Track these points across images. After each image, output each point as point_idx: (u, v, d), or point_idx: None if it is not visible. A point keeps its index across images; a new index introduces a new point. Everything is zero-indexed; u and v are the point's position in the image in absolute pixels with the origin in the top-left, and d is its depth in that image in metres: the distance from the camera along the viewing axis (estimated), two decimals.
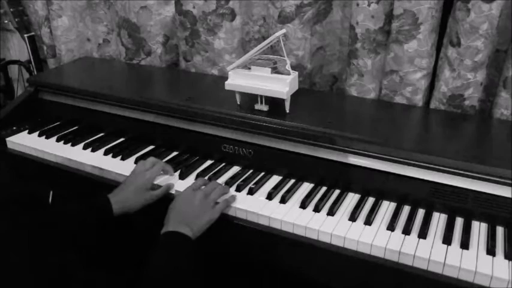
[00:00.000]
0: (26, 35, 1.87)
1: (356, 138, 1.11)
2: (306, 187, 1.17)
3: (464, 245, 0.96)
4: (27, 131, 1.47)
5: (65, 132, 1.46)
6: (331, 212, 1.06)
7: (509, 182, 0.98)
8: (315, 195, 1.13)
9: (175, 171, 1.22)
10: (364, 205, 1.09)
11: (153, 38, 1.70)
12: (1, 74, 2.27)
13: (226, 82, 1.27)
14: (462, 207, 1.04)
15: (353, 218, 1.04)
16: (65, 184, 1.39)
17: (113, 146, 1.38)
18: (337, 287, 1.03)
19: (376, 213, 1.06)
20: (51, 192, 1.79)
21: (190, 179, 1.20)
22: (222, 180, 1.20)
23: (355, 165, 1.12)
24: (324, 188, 1.16)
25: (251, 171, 1.23)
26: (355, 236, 0.99)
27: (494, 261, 0.92)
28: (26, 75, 2.04)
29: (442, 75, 1.30)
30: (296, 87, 1.26)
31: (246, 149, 1.23)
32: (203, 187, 1.12)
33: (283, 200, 1.11)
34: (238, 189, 1.15)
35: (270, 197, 1.12)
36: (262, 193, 1.14)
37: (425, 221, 1.03)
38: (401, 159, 1.07)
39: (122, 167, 1.25)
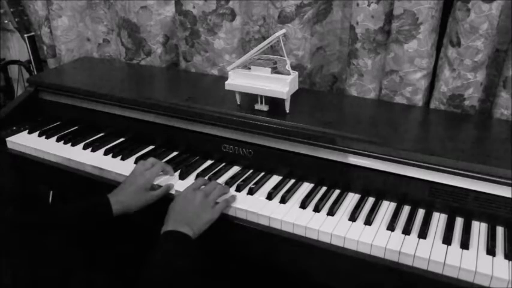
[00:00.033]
0: (26, 35, 1.87)
1: (356, 138, 1.11)
2: (306, 187, 1.17)
3: (464, 245, 0.96)
4: (27, 131, 1.47)
5: (65, 132, 1.46)
6: (331, 212, 1.06)
7: (509, 182, 0.98)
8: (315, 195, 1.13)
9: (175, 171, 1.22)
10: (364, 205, 1.09)
11: (153, 38, 1.70)
12: (1, 74, 2.27)
13: (226, 82, 1.27)
14: (462, 207, 1.04)
15: (353, 218, 1.04)
16: (65, 184, 1.39)
17: (113, 146, 1.38)
18: (337, 287, 1.03)
19: (376, 213, 1.06)
20: (51, 192, 1.79)
21: (190, 179, 1.20)
22: (222, 180, 1.20)
23: (355, 165, 1.12)
24: (324, 188, 1.16)
25: (251, 171, 1.23)
26: (355, 236, 0.99)
27: (494, 261, 0.92)
28: (26, 75, 2.04)
29: (442, 75, 1.30)
30: (296, 87, 1.26)
31: (246, 149, 1.23)
32: (203, 187, 1.12)
33: (283, 200, 1.11)
34: (238, 189, 1.15)
35: (270, 197, 1.12)
36: (262, 193, 1.14)
37: (425, 221, 1.03)
38: (401, 159, 1.07)
39: (122, 167, 1.25)
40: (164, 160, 1.28)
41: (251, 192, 1.14)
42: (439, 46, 1.33)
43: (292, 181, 1.19)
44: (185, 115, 1.30)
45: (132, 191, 1.11)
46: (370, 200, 1.11)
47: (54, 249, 0.97)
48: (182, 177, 1.21)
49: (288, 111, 1.24)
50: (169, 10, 1.68)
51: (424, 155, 1.05)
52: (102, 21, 1.86)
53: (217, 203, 1.08)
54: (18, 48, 2.28)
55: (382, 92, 1.40)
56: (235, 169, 1.25)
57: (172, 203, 1.06)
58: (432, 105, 1.36)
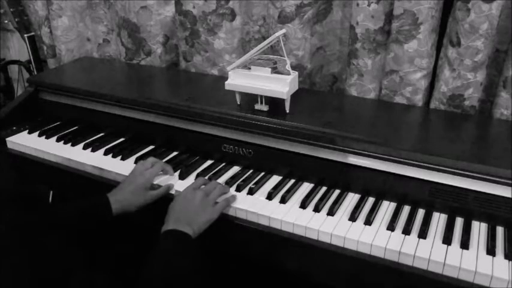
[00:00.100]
0: (26, 35, 1.87)
1: (356, 138, 1.11)
2: (306, 187, 1.17)
3: (464, 245, 0.96)
4: (27, 131, 1.47)
5: (65, 132, 1.46)
6: (331, 212, 1.06)
7: (509, 182, 0.98)
8: (315, 195, 1.13)
9: (175, 171, 1.22)
10: (364, 205, 1.09)
11: (153, 38, 1.70)
12: (1, 74, 2.27)
13: (226, 82, 1.27)
14: (462, 207, 1.04)
15: (353, 218, 1.04)
16: (65, 184, 1.39)
17: (113, 146, 1.38)
18: (337, 287, 1.03)
19: (376, 213, 1.06)
20: (51, 192, 1.79)
21: (190, 179, 1.20)
22: (222, 180, 1.20)
23: (355, 165, 1.12)
24: (324, 188, 1.16)
25: (251, 171, 1.23)
26: (355, 236, 0.99)
27: (494, 261, 0.92)
28: (26, 75, 2.04)
29: (442, 75, 1.30)
30: (296, 87, 1.26)
31: (246, 149, 1.23)
32: (203, 186, 1.12)
33: (283, 200, 1.11)
34: (238, 189, 1.15)
35: (270, 197, 1.12)
36: (262, 193, 1.14)
37: (425, 221, 1.03)
38: (401, 159, 1.07)
39: (122, 167, 1.25)
40: (164, 160, 1.28)
41: (251, 192, 1.14)
42: (439, 46, 1.33)
43: (292, 181, 1.19)
44: (185, 115, 1.30)
45: (132, 191, 1.11)
46: (370, 200, 1.11)
47: (54, 249, 0.97)
48: (182, 177, 1.21)
49: (288, 111, 1.24)
50: (169, 10, 1.68)
51: (424, 155, 1.05)
52: (102, 21, 1.86)
53: (217, 202, 1.08)
54: (18, 48, 2.28)
55: (382, 92, 1.40)
56: (235, 169, 1.25)
57: (173, 203, 1.06)
58: (432, 105, 1.36)
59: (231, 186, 1.16)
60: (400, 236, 0.99)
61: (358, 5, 1.31)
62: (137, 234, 1.31)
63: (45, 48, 1.93)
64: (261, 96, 1.24)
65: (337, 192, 1.14)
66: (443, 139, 1.17)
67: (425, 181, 1.05)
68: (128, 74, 1.73)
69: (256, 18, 1.55)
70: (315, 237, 1.02)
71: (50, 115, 1.54)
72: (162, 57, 1.73)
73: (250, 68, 1.24)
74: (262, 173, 1.22)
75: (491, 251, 0.94)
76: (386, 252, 0.96)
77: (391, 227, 1.01)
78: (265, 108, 1.25)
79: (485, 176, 1.00)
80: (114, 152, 1.33)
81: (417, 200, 1.08)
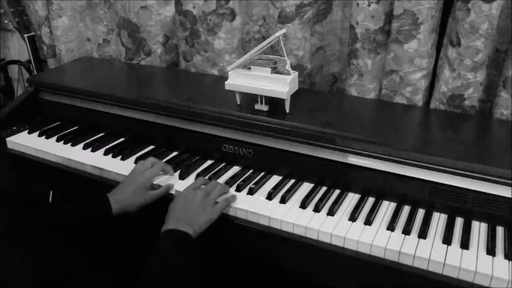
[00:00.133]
0: (26, 35, 1.87)
1: (356, 138, 1.11)
2: (306, 187, 1.17)
3: (464, 245, 0.96)
4: (27, 131, 1.47)
5: (65, 132, 1.46)
6: (331, 212, 1.06)
7: (509, 182, 0.98)
8: (315, 195, 1.13)
9: (175, 171, 1.22)
10: (364, 205, 1.09)
11: (153, 38, 1.70)
12: (1, 74, 2.27)
13: (226, 82, 1.27)
14: (462, 207, 1.04)
15: (353, 218, 1.04)
16: (65, 184, 1.39)
17: (113, 146, 1.38)
18: (337, 287, 1.03)
19: (376, 213, 1.06)
20: (51, 192, 1.79)
21: (190, 179, 1.20)
22: (222, 180, 1.19)
23: (355, 165, 1.12)
24: (324, 188, 1.16)
25: (251, 171, 1.23)
26: (355, 236, 0.99)
27: (494, 261, 0.92)
28: (26, 75, 2.04)
29: (442, 75, 1.30)
30: (296, 87, 1.26)
31: (246, 149, 1.23)
32: (203, 186, 1.12)
33: (283, 200, 1.11)
34: (238, 189, 1.15)
35: (270, 197, 1.12)
36: (262, 193, 1.14)
37: (425, 221, 1.03)
38: (401, 159, 1.07)
39: (122, 167, 1.25)
40: (164, 160, 1.28)
41: (251, 192, 1.14)
42: (439, 46, 1.33)
43: (292, 181, 1.19)
44: (185, 115, 1.30)
45: (132, 191, 1.11)
46: (370, 200, 1.11)
47: (54, 249, 0.97)
48: (182, 177, 1.21)
49: (288, 111, 1.24)
50: (169, 10, 1.68)
51: (424, 155, 1.05)
52: (102, 21, 1.86)
53: (217, 202, 1.08)
54: (18, 48, 2.28)
55: (382, 92, 1.40)
56: (235, 169, 1.25)
57: (173, 202, 1.06)
58: (432, 105, 1.36)
59: (231, 186, 1.16)
60: (400, 236, 0.99)
61: (358, 5, 1.31)
62: (137, 234, 1.31)
63: (45, 48, 1.93)
64: (261, 96, 1.24)
65: (337, 192, 1.14)
66: (443, 139, 1.17)
67: (425, 181, 1.05)
68: (128, 74, 1.73)
69: (256, 18, 1.55)
70: (315, 237, 1.02)
71: (50, 115, 1.54)
72: (162, 57, 1.73)
73: (250, 68, 1.24)
74: (262, 173, 1.22)
75: (491, 251, 0.94)
76: (386, 252, 0.96)
77: (391, 227, 1.01)
78: (265, 108, 1.25)
79: (485, 176, 1.00)
80: (114, 152, 1.33)
81: (417, 200, 1.08)
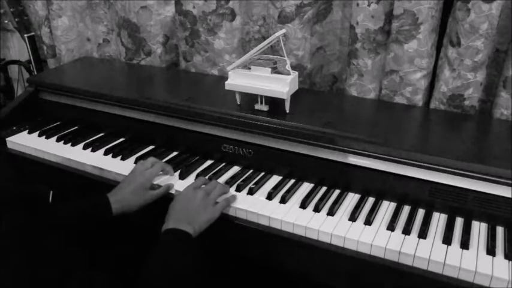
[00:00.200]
0: (26, 35, 1.87)
1: (356, 138, 1.11)
2: (306, 187, 1.17)
3: (464, 245, 0.96)
4: (27, 131, 1.47)
5: (65, 132, 1.46)
6: (331, 212, 1.06)
7: (509, 182, 0.98)
8: (315, 195, 1.13)
9: (175, 171, 1.22)
10: (364, 205, 1.09)
11: (153, 38, 1.70)
12: (1, 74, 2.27)
13: (226, 82, 1.27)
14: (462, 207, 1.04)
15: (353, 218, 1.04)
16: (65, 184, 1.39)
17: (113, 146, 1.38)
18: (337, 287, 1.03)
19: (376, 213, 1.06)
20: (51, 192, 1.79)
21: (190, 179, 1.20)
22: (222, 180, 1.19)
23: (355, 165, 1.12)
24: (324, 188, 1.16)
25: (251, 171, 1.23)
26: (355, 236, 0.99)
27: (494, 261, 0.92)
28: (26, 75, 2.04)
29: (442, 75, 1.30)
30: (296, 87, 1.26)
31: (246, 149, 1.23)
32: (204, 186, 1.12)
33: (283, 200, 1.11)
34: (238, 189, 1.15)
35: (270, 197, 1.12)
36: (262, 193, 1.14)
37: (425, 221, 1.03)
38: (401, 159, 1.07)
39: (121, 167, 1.25)
40: (164, 160, 1.28)
41: (251, 192, 1.14)
42: (439, 46, 1.33)
43: (292, 181, 1.19)
44: (185, 115, 1.30)
45: (132, 191, 1.11)
46: (370, 200, 1.11)
47: (54, 249, 0.97)
48: (182, 177, 1.21)
49: (288, 111, 1.24)
50: (169, 10, 1.68)
51: (424, 155, 1.05)
52: (102, 21, 1.86)
53: (217, 202, 1.08)
54: (18, 48, 2.28)
55: (382, 92, 1.40)
56: (235, 169, 1.25)
57: (173, 202, 1.06)
58: (432, 105, 1.36)
59: (231, 186, 1.16)
60: (400, 236, 0.99)
61: (358, 5, 1.31)
62: (137, 234, 1.31)
63: (45, 48, 1.93)
64: (261, 96, 1.24)
65: (337, 192, 1.14)
66: (443, 139, 1.17)
67: (425, 181, 1.05)
68: (128, 74, 1.73)
69: (256, 18, 1.55)
70: (315, 237, 1.02)
71: (50, 115, 1.54)
72: (162, 57, 1.73)
73: (250, 68, 1.24)
74: (262, 173, 1.22)
75: (491, 251, 0.94)
76: (386, 252, 0.96)
77: (391, 227, 1.01)
78: (265, 108, 1.25)
79: (485, 176, 1.00)
80: (114, 152, 1.33)
81: (417, 200, 1.08)
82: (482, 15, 1.17)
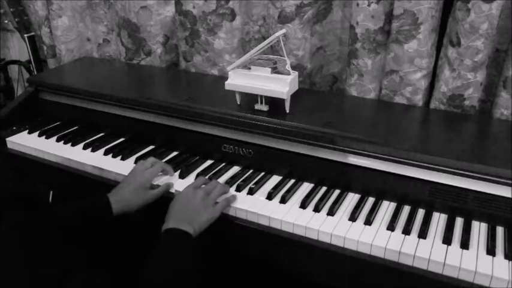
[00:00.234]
0: (26, 35, 1.87)
1: (356, 138, 1.11)
2: (306, 187, 1.17)
3: (464, 245, 0.96)
4: (27, 131, 1.47)
5: (65, 132, 1.46)
6: (331, 212, 1.06)
7: (509, 182, 0.98)
8: (315, 195, 1.13)
9: (175, 171, 1.22)
10: (364, 205, 1.09)
11: (153, 38, 1.70)
12: (1, 74, 2.27)
13: (226, 82, 1.27)
14: (462, 207, 1.04)
15: (353, 218, 1.04)
16: (65, 184, 1.39)
17: (113, 146, 1.38)
18: (337, 287, 1.03)
19: (376, 213, 1.06)
20: (51, 192, 1.79)
21: (190, 179, 1.20)
22: (222, 180, 1.19)
23: (355, 165, 1.12)
24: (324, 188, 1.16)
25: (251, 171, 1.23)
26: (355, 236, 0.99)
27: (494, 261, 0.92)
28: (26, 75, 2.04)
29: (442, 75, 1.30)
30: (296, 87, 1.26)
31: (246, 149, 1.23)
32: (204, 186, 1.12)
33: (283, 200, 1.11)
34: (238, 189, 1.15)
35: (270, 197, 1.12)
36: (262, 193, 1.14)
37: (425, 221, 1.03)
38: (401, 159, 1.07)
39: (122, 167, 1.25)
40: (164, 160, 1.28)
41: (251, 192, 1.14)
42: (439, 46, 1.33)
43: (292, 181, 1.19)
44: (185, 115, 1.30)
45: (132, 190, 1.11)
46: (370, 200, 1.11)
47: (54, 249, 0.97)
48: (182, 176, 1.21)
49: (288, 111, 1.24)
50: (169, 10, 1.68)
51: (424, 155, 1.05)
52: (102, 21, 1.86)
53: (217, 202, 1.08)
54: (18, 48, 2.28)
55: (382, 92, 1.40)
56: (235, 169, 1.25)
57: (173, 201, 1.06)
58: (432, 105, 1.36)
59: (231, 186, 1.16)
60: (400, 236, 0.99)
61: (358, 5, 1.31)
62: (137, 234, 1.31)
63: (45, 48, 1.93)
64: (261, 96, 1.24)
65: (337, 192, 1.14)
66: (443, 139, 1.17)
67: (425, 181, 1.05)
68: (128, 74, 1.73)
69: (256, 18, 1.55)
70: (315, 237, 1.02)
71: (50, 115, 1.54)
72: (162, 57, 1.73)
73: (250, 68, 1.24)
74: (262, 173, 1.22)
75: (491, 251, 0.94)
76: (386, 252, 0.96)
77: (391, 227, 1.01)
78: (265, 108, 1.25)
79: (485, 176, 1.00)
80: (114, 152, 1.33)
81: (417, 200, 1.08)
82: (482, 15, 1.17)
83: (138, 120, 1.38)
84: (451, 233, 0.99)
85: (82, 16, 1.86)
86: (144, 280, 0.90)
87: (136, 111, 1.37)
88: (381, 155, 1.08)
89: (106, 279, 1.10)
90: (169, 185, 1.16)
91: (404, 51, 1.30)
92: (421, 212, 1.07)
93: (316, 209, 1.07)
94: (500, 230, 1.00)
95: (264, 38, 1.54)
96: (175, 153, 1.34)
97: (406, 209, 1.08)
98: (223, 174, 1.23)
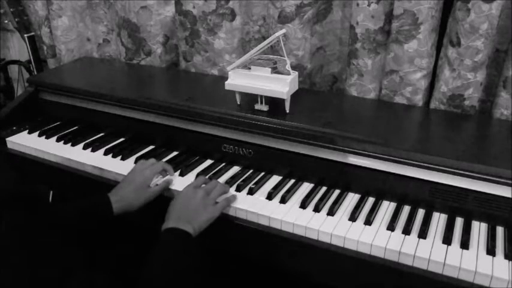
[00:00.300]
0: (26, 35, 1.87)
1: (356, 138, 1.11)
2: (306, 187, 1.17)
3: (464, 245, 0.96)
4: (27, 131, 1.47)
5: (65, 132, 1.46)
6: (331, 212, 1.06)
7: (509, 182, 0.98)
8: (315, 195, 1.13)
9: (175, 171, 1.22)
10: (364, 205, 1.09)
11: (153, 38, 1.70)
12: (1, 74, 2.27)
13: (226, 82, 1.27)
14: (462, 207, 1.04)
15: (353, 218, 1.04)
16: (65, 184, 1.39)
17: (113, 146, 1.38)
18: (337, 287, 1.03)
19: (376, 213, 1.06)
20: (51, 192, 1.79)
21: (190, 179, 1.20)
22: (222, 180, 1.19)
23: (355, 165, 1.12)
24: (324, 188, 1.16)
25: (251, 171, 1.23)
26: (355, 236, 0.99)
27: (494, 261, 0.92)
28: (26, 75, 2.04)
29: (442, 75, 1.30)
30: (296, 87, 1.26)
31: (246, 149, 1.23)
32: (204, 185, 1.12)
33: (283, 200, 1.11)
34: (238, 189, 1.15)
35: (270, 197, 1.12)
36: (262, 193, 1.14)
37: (425, 221, 1.03)
38: (401, 159, 1.07)
39: (122, 167, 1.25)
40: (164, 160, 1.28)
41: (251, 192, 1.14)
42: (439, 46, 1.33)
43: (292, 181, 1.19)
44: (185, 115, 1.30)
45: (132, 190, 1.11)
46: (370, 200, 1.11)
47: (54, 249, 0.97)
48: (182, 176, 1.21)
49: (288, 111, 1.24)
50: (169, 10, 1.68)
51: (424, 155, 1.05)
52: (102, 21, 1.86)
53: (217, 202, 1.08)
54: (18, 48, 2.28)
55: (382, 92, 1.40)
56: (235, 169, 1.25)
57: (173, 201, 1.06)
58: (432, 105, 1.36)
59: (231, 186, 1.16)
60: (400, 236, 0.99)
61: (358, 5, 1.31)
62: (137, 234, 1.31)
63: (45, 48, 1.93)
64: (261, 96, 1.24)
65: (337, 192, 1.14)
66: (443, 139, 1.17)
67: (425, 181, 1.05)
68: (128, 74, 1.73)
69: (256, 18, 1.55)
70: (315, 237, 1.02)
71: (50, 115, 1.54)
72: (162, 57, 1.74)
73: (250, 68, 1.24)
74: (262, 173, 1.22)
75: (491, 251, 0.94)
76: (386, 252, 0.96)
77: (391, 227, 1.01)
78: (265, 108, 1.25)
79: (485, 176, 1.00)
80: (114, 152, 1.33)
81: (417, 200, 1.08)
82: (482, 15, 1.17)
83: (138, 120, 1.38)
84: (451, 233, 0.99)
85: (82, 16, 1.86)
86: (144, 280, 0.90)
87: (136, 111, 1.37)
88: (381, 155, 1.08)
89: (106, 279, 1.10)
90: (168, 182, 1.16)
91: (404, 51, 1.30)
92: (421, 212, 1.07)
93: (316, 209, 1.07)
94: (500, 230, 1.00)
95: (264, 38, 1.54)
96: (175, 153, 1.34)
97: (406, 209, 1.08)
98: (223, 174, 1.23)
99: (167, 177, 1.21)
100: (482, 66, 1.24)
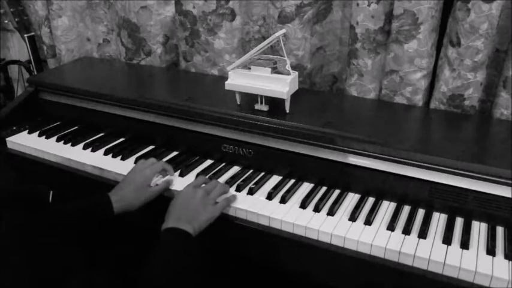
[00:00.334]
0: (26, 35, 1.87)
1: (356, 138, 1.11)
2: (306, 187, 1.17)
3: (464, 245, 0.96)
4: (27, 131, 1.47)
5: (65, 132, 1.46)
6: (331, 212, 1.06)
7: (509, 182, 0.98)
8: (315, 195, 1.13)
9: (175, 171, 1.22)
10: (364, 205, 1.09)
11: (153, 38, 1.70)
12: (1, 74, 2.27)
13: (226, 82, 1.27)
14: (462, 207, 1.04)
15: (353, 218, 1.04)
16: (65, 184, 1.39)
17: (113, 146, 1.38)
18: (337, 287, 1.03)
19: (376, 213, 1.06)
20: (51, 192, 1.79)
21: (190, 178, 1.20)
22: (222, 180, 1.19)
23: (355, 165, 1.12)
24: (324, 188, 1.16)
25: (251, 171, 1.23)
26: (355, 236, 0.99)
27: (494, 261, 0.92)
28: (26, 75, 2.04)
29: (442, 75, 1.30)
30: (296, 87, 1.26)
31: (246, 149, 1.23)
32: (204, 185, 1.12)
33: (283, 200, 1.11)
34: (238, 189, 1.15)
35: (270, 197, 1.12)
36: (262, 193, 1.14)
37: (425, 221, 1.03)
38: (401, 159, 1.07)
39: (122, 167, 1.25)
40: (164, 160, 1.28)
41: (251, 192, 1.14)
42: (439, 46, 1.33)
43: (292, 181, 1.19)
44: (185, 115, 1.30)
45: (132, 189, 1.11)
46: (370, 200, 1.11)
47: (55, 249, 0.97)
48: (182, 176, 1.21)
49: (288, 111, 1.24)
50: (169, 10, 1.68)
51: (424, 155, 1.05)
52: (102, 21, 1.86)
53: (217, 202, 1.08)
54: (18, 48, 2.28)
55: (382, 92, 1.40)
56: (235, 169, 1.25)
57: (173, 201, 1.06)
58: (432, 105, 1.36)
59: (231, 186, 1.16)
60: (400, 236, 0.99)
61: (358, 5, 1.31)
62: (137, 234, 1.31)
63: (45, 48, 1.93)
64: (261, 96, 1.24)
65: (337, 192, 1.14)
66: (443, 139, 1.17)
67: (425, 181, 1.05)
68: (128, 74, 1.73)
69: (256, 18, 1.55)
70: (315, 237, 1.02)
71: (50, 115, 1.54)
72: (162, 57, 1.74)
73: (250, 68, 1.24)
74: (262, 173, 1.22)
75: (491, 251, 0.94)
76: (386, 252, 0.96)
77: (391, 227, 1.01)
78: (265, 108, 1.25)
79: (485, 176, 1.00)
80: (114, 152, 1.33)
81: (417, 200, 1.08)
82: (482, 15, 1.17)
83: (138, 120, 1.38)
84: (451, 233, 0.99)
85: (82, 16, 1.86)
86: (144, 280, 0.90)
87: (136, 111, 1.37)
88: (381, 155, 1.08)
89: (106, 279, 1.10)
90: (169, 182, 1.16)
91: (404, 51, 1.30)
92: (421, 212, 1.07)
93: (316, 209, 1.07)
94: (500, 230, 1.00)
95: (264, 38, 1.54)
96: (175, 153, 1.34)
97: (406, 209, 1.08)
98: (223, 174, 1.23)
99: (167, 177, 1.21)
100: (482, 66, 1.24)
